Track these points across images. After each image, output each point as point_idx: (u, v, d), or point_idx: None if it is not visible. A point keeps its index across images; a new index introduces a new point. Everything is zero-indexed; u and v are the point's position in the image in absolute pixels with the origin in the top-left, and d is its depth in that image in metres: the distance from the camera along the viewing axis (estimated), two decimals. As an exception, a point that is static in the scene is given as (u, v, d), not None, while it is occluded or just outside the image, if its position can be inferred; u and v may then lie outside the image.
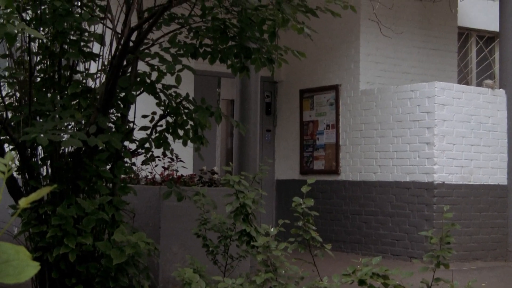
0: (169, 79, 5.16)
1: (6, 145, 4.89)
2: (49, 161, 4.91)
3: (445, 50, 10.23)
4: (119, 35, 4.81)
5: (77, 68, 5.08)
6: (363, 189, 9.19)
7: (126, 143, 5.12)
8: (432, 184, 8.34)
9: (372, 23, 9.21)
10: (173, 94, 5.23)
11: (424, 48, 10.01)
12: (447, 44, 10.27)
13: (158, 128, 5.24)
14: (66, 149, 4.87)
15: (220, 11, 5.24)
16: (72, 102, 4.80)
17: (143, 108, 5.22)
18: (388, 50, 9.63)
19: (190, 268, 4.54)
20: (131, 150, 5.16)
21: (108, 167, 4.87)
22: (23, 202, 1.44)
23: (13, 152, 4.75)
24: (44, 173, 4.96)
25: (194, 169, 8.57)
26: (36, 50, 5.11)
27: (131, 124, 5.14)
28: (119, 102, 4.99)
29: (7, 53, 5.14)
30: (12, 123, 4.83)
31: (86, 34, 4.92)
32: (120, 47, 4.74)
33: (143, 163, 5.45)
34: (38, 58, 5.07)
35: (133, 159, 5.24)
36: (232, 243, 5.09)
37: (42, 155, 4.93)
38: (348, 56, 9.64)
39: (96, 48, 5.12)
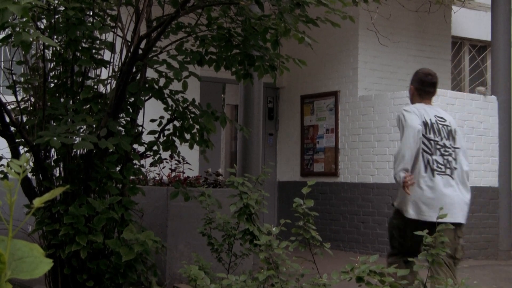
0: (176, 85, 5.16)
1: (21, 147, 4.90)
2: (61, 163, 4.91)
3: (439, 59, 10.22)
4: (129, 43, 4.82)
5: (89, 75, 5.09)
6: (360, 191, 9.18)
7: (135, 146, 5.12)
8: (426, 186, 8.32)
9: (370, 33, 9.21)
10: (180, 99, 5.23)
11: (420, 56, 10.00)
12: (441, 52, 10.26)
13: (166, 132, 5.24)
14: (78, 152, 4.87)
15: (225, 21, 5.25)
16: (84, 107, 4.80)
17: (152, 113, 5.22)
18: (385, 58, 9.62)
19: (196, 265, 4.53)
20: (140, 153, 5.16)
21: (118, 168, 4.87)
22: (37, 202, 1.44)
23: (27, 154, 4.75)
24: (57, 174, 4.96)
25: (199, 171, 8.57)
26: (50, 57, 5.12)
27: (140, 128, 5.15)
28: (129, 106, 4.99)
29: (22, 60, 5.15)
30: (27, 127, 4.83)
31: (98, 42, 4.93)
32: (129, 54, 4.74)
33: (151, 165, 5.45)
34: (52, 65, 5.08)
35: (142, 161, 5.23)
36: (236, 241, 5.09)
37: (55, 157, 4.93)
38: (347, 63, 9.63)
39: (107, 55, 5.13)
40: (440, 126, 4.73)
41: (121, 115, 4.98)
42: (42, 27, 4.92)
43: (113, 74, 5.07)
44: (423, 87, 4.88)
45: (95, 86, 5.01)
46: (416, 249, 4.58)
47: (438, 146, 4.68)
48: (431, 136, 4.67)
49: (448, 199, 4.61)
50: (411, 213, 4.67)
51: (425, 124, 4.66)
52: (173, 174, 6.81)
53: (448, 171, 4.67)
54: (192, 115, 5.21)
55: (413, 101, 4.92)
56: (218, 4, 5.06)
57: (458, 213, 4.67)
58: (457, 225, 4.62)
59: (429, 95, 4.88)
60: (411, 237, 4.51)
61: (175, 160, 6.36)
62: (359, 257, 4.02)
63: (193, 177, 6.84)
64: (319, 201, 9.52)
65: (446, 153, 4.70)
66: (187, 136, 5.22)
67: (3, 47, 7.99)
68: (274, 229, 4.50)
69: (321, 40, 8.72)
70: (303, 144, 10.27)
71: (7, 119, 4.81)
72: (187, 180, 6.64)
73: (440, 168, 4.65)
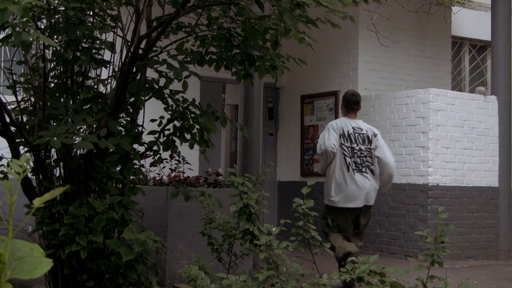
0: (176, 85, 5.16)
1: (21, 147, 4.90)
2: (62, 163, 4.91)
3: (440, 59, 10.22)
4: (129, 43, 4.82)
5: (89, 74, 5.08)
6: (361, 191, 9.17)
7: (135, 145, 5.12)
8: (426, 186, 8.33)
9: (370, 33, 9.21)
10: (180, 99, 5.23)
11: (420, 56, 10.00)
12: (441, 52, 10.26)
13: (166, 132, 5.24)
14: (78, 152, 4.87)
15: (225, 21, 5.25)
16: (84, 107, 4.80)
17: (152, 113, 5.22)
18: (385, 58, 9.62)
19: (196, 265, 4.53)
20: (140, 153, 5.16)
21: (118, 168, 4.87)
22: (38, 202, 1.44)
23: (28, 154, 4.75)
24: (57, 174, 4.96)
25: (200, 171, 8.57)
26: (50, 57, 5.12)
27: (140, 128, 5.14)
28: (129, 106, 4.99)
29: (22, 60, 5.15)
30: (27, 127, 4.83)
31: (98, 42, 4.93)
32: (130, 54, 4.74)
33: (151, 165, 5.45)
34: (52, 65, 5.08)
35: (142, 161, 5.23)
36: (236, 241, 5.09)
37: (55, 157, 4.93)
38: (347, 63, 9.63)
39: (107, 55, 5.13)
40: (357, 135, 6.37)
41: (121, 115, 4.98)
42: (42, 27, 4.92)
43: (113, 74, 5.07)
44: (348, 104, 6.53)
45: (95, 86, 5.01)
46: (349, 228, 6.34)
47: (355, 151, 6.34)
48: (348, 144, 6.32)
49: (363, 190, 6.27)
50: (341, 204, 6.26)
51: (342, 136, 6.32)
52: (173, 174, 6.81)
53: (363, 169, 6.34)
54: (192, 115, 5.21)
55: (343, 114, 6.60)
56: (218, 4, 5.06)
57: (369, 199, 6.35)
58: (369, 206, 6.43)
59: (353, 110, 6.52)
60: (345, 220, 6.29)
61: (175, 160, 6.36)
62: (359, 257, 4.03)
63: (193, 177, 6.83)
64: (319, 201, 9.49)
65: (362, 155, 6.35)
66: (187, 136, 5.22)
67: (3, 47, 7.99)
68: (274, 229, 4.50)
69: (321, 40, 8.72)
70: (303, 144, 10.27)
71: (7, 119, 4.81)
72: (187, 180, 6.64)
73: (358, 167, 6.32)
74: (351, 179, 6.24)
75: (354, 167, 6.28)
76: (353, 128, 6.36)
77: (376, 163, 6.37)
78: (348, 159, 6.28)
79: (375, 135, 6.41)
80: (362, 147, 6.34)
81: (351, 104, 6.50)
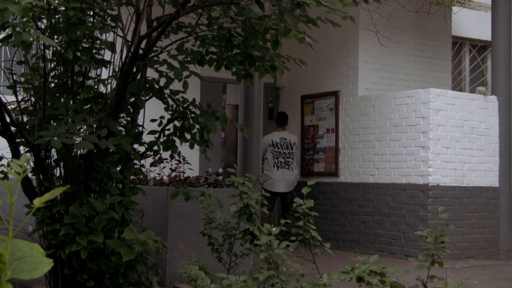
0: (176, 85, 5.16)
1: (21, 147, 4.90)
2: (62, 163, 4.91)
3: (440, 59, 10.22)
4: (129, 43, 4.82)
5: (89, 74, 5.08)
6: (361, 191, 9.18)
7: (136, 146, 5.12)
8: (427, 186, 8.32)
9: (370, 33, 9.21)
10: (181, 99, 5.23)
11: (420, 56, 10.00)
12: (442, 52, 10.26)
13: (166, 132, 5.24)
14: (78, 152, 4.86)
15: (226, 21, 5.25)
16: (84, 107, 4.80)
17: (152, 113, 5.22)
18: (385, 58, 9.62)
19: (196, 265, 4.53)
20: (140, 153, 5.16)
21: (118, 168, 4.87)
22: (38, 202, 1.44)
23: (28, 154, 4.75)
24: (57, 174, 4.96)
25: (200, 171, 8.57)
26: (50, 57, 5.12)
27: (140, 128, 5.14)
28: (129, 106, 4.99)
29: (23, 60, 5.15)
30: (27, 127, 4.83)
31: (98, 42, 4.92)
32: (130, 54, 4.74)
33: (152, 165, 5.44)
34: (52, 65, 5.08)
35: (142, 161, 5.23)
36: (236, 241, 5.09)
37: (56, 157, 4.93)
38: (347, 63, 9.63)
39: (107, 55, 5.13)
40: (282, 143, 9.55)
41: (122, 115, 4.98)
42: (43, 27, 4.91)
43: (114, 74, 5.07)
44: (277, 121, 9.80)
45: (96, 86, 5.01)
46: (271, 205, 8.89)
47: (281, 154, 9.51)
48: (276, 149, 9.49)
49: (283, 180, 9.40)
50: (267, 187, 8.80)
51: (273, 144, 9.49)
52: (173, 174, 6.81)
53: (286, 166, 9.48)
54: (193, 115, 5.21)
55: (274, 128, 9.89)
56: (219, 4, 5.06)
57: (288, 187, 9.46)
58: (288, 193, 9.47)
59: (282, 126, 9.72)
60: (273, 201, 9.27)
61: (176, 160, 6.36)
62: (359, 257, 4.03)
63: (193, 177, 6.83)
64: (319, 201, 9.51)
65: (286, 156, 9.52)
66: (188, 136, 5.22)
67: (3, 47, 8.00)
68: (274, 229, 4.50)
69: (321, 40, 8.72)
70: (303, 144, 10.27)
71: (8, 119, 4.80)
72: (187, 180, 6.64)
73: (282, 164, 9.48)
74: (276, 172, 9.26)
75: (279, 165, 9.42)
76: (280, 138, 9.53)
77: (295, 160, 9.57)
78: (275, 159, 9.44)
79: (295, 143, 9.60)
80: (286, 151, 9.51)
81: (280, 121, 9.73)
